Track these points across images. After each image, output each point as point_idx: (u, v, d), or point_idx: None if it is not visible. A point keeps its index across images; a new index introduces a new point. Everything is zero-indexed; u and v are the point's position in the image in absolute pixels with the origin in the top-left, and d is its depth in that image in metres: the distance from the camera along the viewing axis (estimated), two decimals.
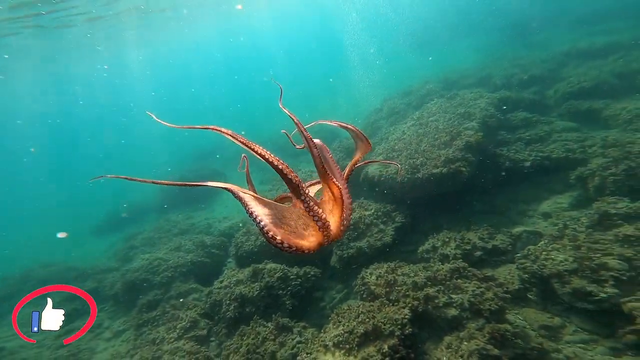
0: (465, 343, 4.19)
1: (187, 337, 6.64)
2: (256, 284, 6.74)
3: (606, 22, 17.41)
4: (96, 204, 24.51)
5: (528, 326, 4.68)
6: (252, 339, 5.46)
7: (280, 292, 6.49)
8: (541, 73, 12.14)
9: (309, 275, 6.75)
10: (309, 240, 1.52)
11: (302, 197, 1.50)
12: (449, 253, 5.96)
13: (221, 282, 7.45)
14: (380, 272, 5.77)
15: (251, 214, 1.52)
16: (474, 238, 6.13)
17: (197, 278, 9.37)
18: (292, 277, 6.70)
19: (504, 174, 7.72)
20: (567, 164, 7.26)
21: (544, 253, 5.28)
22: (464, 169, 7.23)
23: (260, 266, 7.14)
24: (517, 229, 6.47)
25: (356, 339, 4.53)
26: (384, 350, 4.19)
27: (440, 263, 5.73)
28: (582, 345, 4.31)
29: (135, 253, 12.71)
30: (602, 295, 4.39)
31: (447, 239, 6.26)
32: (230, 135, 1.59)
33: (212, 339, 6.68)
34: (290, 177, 1.51)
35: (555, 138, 8.08)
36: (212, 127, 1.59)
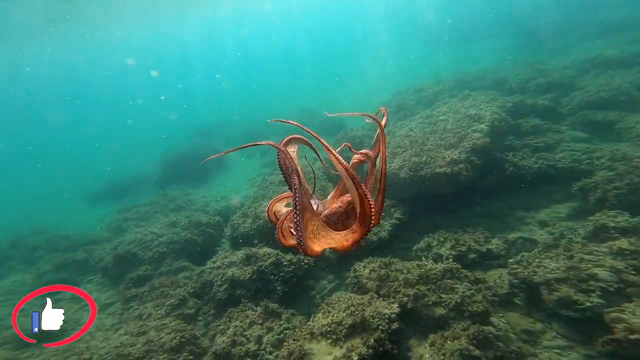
0: (449, 342, 4.26)
1: (175, 314, 6.68)
2: (249, 267, 6.78)
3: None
4: (95, 172, 24.58)
5: (510, 330, 4.80)
6: (240, 321, 5.56)
7: (272, 277, 6.53)
8: (560, 79, 11.79)
9: (302, 263, 6.78)
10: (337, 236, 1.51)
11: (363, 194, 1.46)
12: (443, 253, 5.99)
13: (214, 262, 7.50)
14: (373, 267, 5.80)
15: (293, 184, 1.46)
16: (470, 240, 6.14)
17: (190, 256, 9.42)
18: (285, 263, 6.75)
19: (523, 185, 7.62)
20: (572, 175, 7.21)
21: (536, 260, 5.35)
22: (466, 172, 7.20)
23: (254, 250, 7.20)
24: (513, 235, 6.50)
25: (344, 330, 4.59)
26: (370, 343, 4.25)
27: (433, 262, 5.76)
28: (558, 351, 4.44)
29: (129, 226, 12.84)
30: (587, 304, 4.48)
31: (443, 239, 6.27)
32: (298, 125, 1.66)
33: (199, 318, 6.77)
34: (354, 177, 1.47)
35: (563, 147, 7.99)
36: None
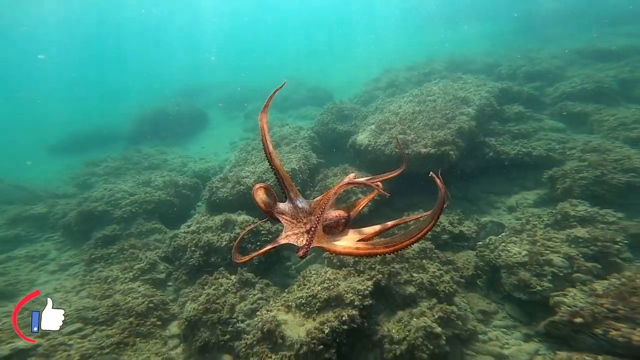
0: (415, 320, 4.50)
1: (144, 279, 6.43)
2: (226, 234, 6.64)
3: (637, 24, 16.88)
4: (62, 122, 22.73)
5: (469, 309, 5.19)
6: (213, 289, 5.51)
7: (249, 245, 6.45)
8: (548, 69, 11.99)
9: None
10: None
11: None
12: None
13: (188, 226, 7.26)
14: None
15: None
16: (445, 221, 6.33)
17: (163, 218, 8.99)
18: (263, 232, 6.65)
19: (505, 171, 7.80)
20: (545, 163, 7.54)
21: (502, 244, 5.67)
22: (452, 152, 7.28)
23: (233, 216, 6.97)
24: (484, 219, 6.78)
25: (318, 304, 4.70)
26: (343, 318, 4.39)
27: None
28: (505, 330, 4.89)
29: (97, 181, 11.92)
30: (538, 288, 4.88)
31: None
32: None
33: (169, 284, 6.61)
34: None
35: (540, 136, 8.27)
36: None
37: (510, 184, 7.79)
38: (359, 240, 1.67)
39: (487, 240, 5.95)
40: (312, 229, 1.56)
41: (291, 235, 1.73)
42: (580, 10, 20.39)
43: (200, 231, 6.91)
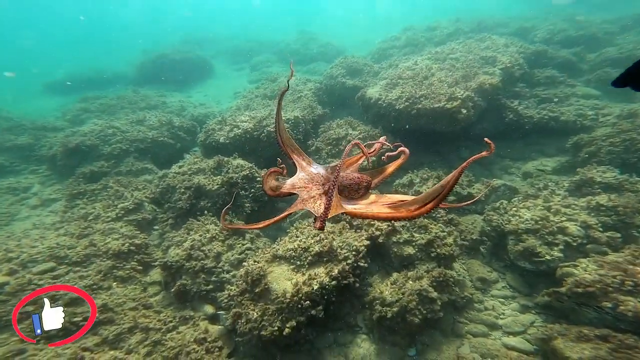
0: (411, 282, 4.17)
1: (128, 219, 5.99)
2: (218, 177, 6.15)
3: None
4: (62, 64, 21.69)
5: (468, 276, 4.85)
6: (200, 235, 5.15)
7: (243, 192, 6.01)
8: (594, 33, 10.66)
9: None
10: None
11: None
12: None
13: (180, 167, 6.78)
14: None
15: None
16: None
17: (155, 159, 8.49)
18: (259, 178, 6.16)
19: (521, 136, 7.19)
20: (572, 130, 6.83)
21: (513, 209, 5.19)
22: (466, 111, 6.58)
23: (227, 159, 6.47)
24: (497, 182, 6.26)
25: (309, 257, 4.36)
26: (333, 274, 4.07)
27: None
28: (502, 300, 4.59)
29: (89, 117, 11.32)
30: (547, 257, 4.47)
31: (426, 177, 5.93)
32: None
33: (155, 227, 6.23)
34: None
35: (572, 102, 7.46)
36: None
37: (528, 150, 7.17)
38: (381, 204, 1.56)
39: (497, 204, 5.49)
40: (329, 191, 1.45)
41: (307, 199, 1.62)
42: None
43: (191, 172, 6.46)
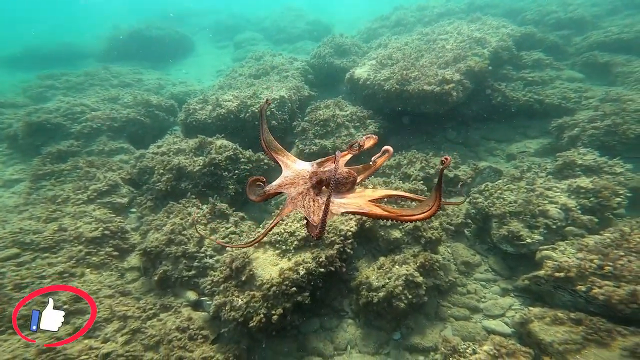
0: (397, 267, 4.14)
1: (101, 202, 5.65)
2: (200, 158, 5.85)
3: None
4: (18, 36, 19.70)
5: (452, 260, 4.91)
6: (181, 218, 4.91)
7: (226, 173, 5.73)
8: (582, 16, 10.59)
9: (262, 163, 6.01)
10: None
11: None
12: (412, 173, 5.62)
13: (159, 147, 6.40)
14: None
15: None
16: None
17: (131, 138, 7.97)
18: (242, 160, 5.89)
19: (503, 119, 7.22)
20: (556, 112, 6.87)
21: (498, 192, 5.21)
22: (456, 93, 6.50)
23: (210, 139, 6.14)
24: (482, 164, 6.28)
25: (295, 242, 4.25)
26: (320, 260, 3.98)
27: (401, 182, 5.40)
28: (484, 283, 4.68)
29: (54, 95, 10.39)
30: (528, 240, 4.53)
31: (414, 160, 5.85)
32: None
33: (132, 210, 5.87)
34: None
35: (556, 85, 7.47)
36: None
37: (512, 132, 7.23)
38: (369, 201, 1.57)
39: (482, 186, 5.49)
40: (326, 201, 1.36)
41: (296, 197, 1.62)
42: None
43: (171, 152, 6.12)
